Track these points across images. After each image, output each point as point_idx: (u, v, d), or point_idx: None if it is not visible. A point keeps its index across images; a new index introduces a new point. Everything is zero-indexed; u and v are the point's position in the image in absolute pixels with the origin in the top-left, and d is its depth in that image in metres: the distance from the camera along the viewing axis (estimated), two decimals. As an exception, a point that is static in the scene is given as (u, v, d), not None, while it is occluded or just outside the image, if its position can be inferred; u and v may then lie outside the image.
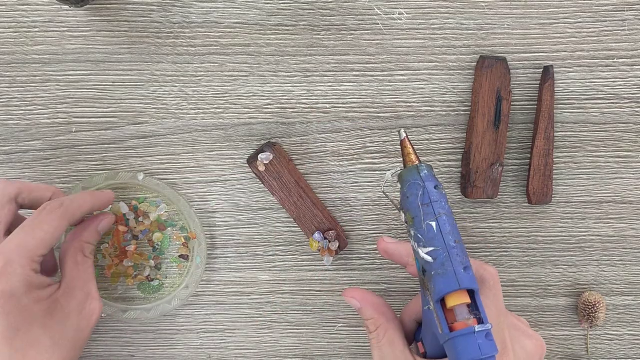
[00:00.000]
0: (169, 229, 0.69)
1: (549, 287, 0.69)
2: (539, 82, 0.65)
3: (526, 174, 0.66)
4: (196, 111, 0.66)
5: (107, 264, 0.68)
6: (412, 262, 0.57)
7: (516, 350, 0.54)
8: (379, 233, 0.68)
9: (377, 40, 0.64)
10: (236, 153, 0.67)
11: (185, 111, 0.66)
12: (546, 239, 0.68)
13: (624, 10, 0.64)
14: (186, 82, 0.66)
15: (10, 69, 0.65)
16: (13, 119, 0.66)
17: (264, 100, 0.66)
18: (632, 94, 0.65)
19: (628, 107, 0.65)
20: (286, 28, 0.65)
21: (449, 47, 0.65)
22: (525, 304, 0.70)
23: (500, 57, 0.63)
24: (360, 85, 0.65)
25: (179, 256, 0.69)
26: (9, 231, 0.58)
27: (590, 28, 0.64)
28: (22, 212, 0.62)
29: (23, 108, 0.66)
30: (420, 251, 0.48)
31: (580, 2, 0.64)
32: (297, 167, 0.67)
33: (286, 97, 0.66)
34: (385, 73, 0.65)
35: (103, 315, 0.68)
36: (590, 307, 0.67)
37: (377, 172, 0.67)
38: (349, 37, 0.64)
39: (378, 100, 0.66)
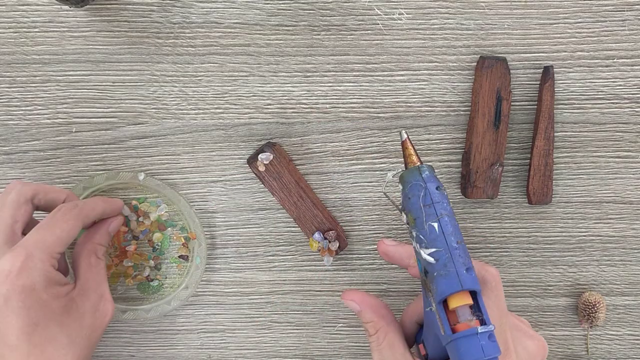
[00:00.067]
0: (169, 229, 0.69)
1: (549, 287, 0.69)
2: (539, 82, 0.65)
3: (526, 174, 0.67)
4: (196, 111, 0.66)
5: (106, 264, 0.68)
6: (413, 264, 0.57)
7: (518, 351, 0.54)
8: (379, 233, 0.68)
9: (377, 40, 0.64)
10: (236, 153, 0.67)
11: (185, 111, 0.66)
12: (546, 239, 0.68)
13: (624, 10, 0.64)
14: (186, 82, 0.65)
15: (10, 69, 0.65)
16: (13, 119, 0.66)
17: (264, 100, 0.66)
18: (632, 94, 0.65)
19: (628, 107, 0.65)
20: (286, 28, 0.64)
21: (449, 47, 0.65)
22: (525, 304, 0.70)
23: (500, 57, 0.63)
24: (360, 85, 0.65)
25: (179, 256, 0.69)
26: (24, 232, 0.59)
27: (590, 28, 0.64)
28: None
29: (23, 108, 0.66)
30: (422, 252, 0.48)
31: (580, 2, 0.64)
32: (297, 167, 0.67)
33: (286, 97, 0.66)
34: (385, 73, 0.65)
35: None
36: (590, 307, 0.67)
37: (377, 172, 0.67)
38: (349, 37, 0.64)
39: (378, 100, 0.66)
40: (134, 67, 0.65)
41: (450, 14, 0.64)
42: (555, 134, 0.66)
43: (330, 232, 0.66)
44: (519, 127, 0.66)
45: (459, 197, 0.67)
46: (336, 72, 0.65)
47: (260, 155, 0.64)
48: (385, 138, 0.66)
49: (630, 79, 0.65)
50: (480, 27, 0.64)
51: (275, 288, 0.70)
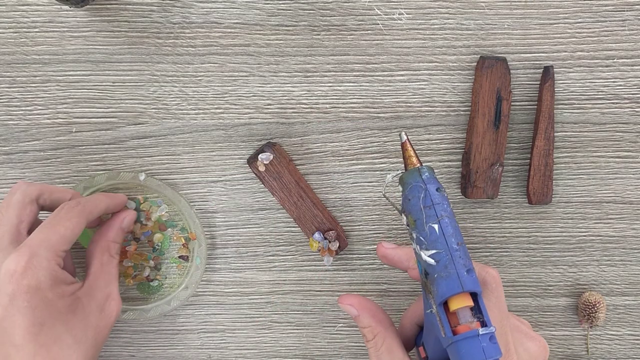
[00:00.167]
0: (169, 229, 0.69)
1: (549, 287, 0.69)
2: (539, 82, 0.65)
3: (526, 174, 0.67)
4: (196, 111, 0.66)
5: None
6: (412, 266, 0.57)
7: (519, 352, 0.54)
8: (379, 233, 0.68)
9: (377, 40, 0.64)
10: (236, 153, 0.67)
11: (185, 111, 0.66)
12: (546, 239, 0.68)
13: (624, 10, 0.64)
14: (186, 82, 0.65)
15: (10, 69, 0.65)
16: (13, 119, 0.66)
17: (264, 100, 0.66)
18: (632, 94, 0.65)
19: (628, 107, 0.65)
20: (286, 28, 0.64)
21: (449, 47, 0.65)
22: (526, 304, 0.70)
23: (500, 57, 0.63)
24: (360, 85, 0.65)
25: (179, 257, 0.69)
26: (29, 232, 0.58)
27: (590, 28, 0.64)
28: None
29: (23, 108, 0.66)
30: (422, 254, 0.48)
31: (580, 2, 0.64)
32: (297, 167, 0.67)
33: (286, 97, 0.66)
34: (385, 73, 0.65)
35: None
36: (590, 307, 0.67)
37: (378, 172, 0.67)
38: (349, 37, 0.64)
39: (378, 100, 0.66)
40: (134, 67, 0.65)
41: (450, 14, 0.64)
42: (555, 134, 0.66)
43: (330, 232, 0.66)
44: (519, 127, 0.66)
45: (459, 197, 0.67)
46: (336, 72, 0.65)
47: (260, 155, 0.64)
48: (385, 138, 0.66)
49: (630, 79, 0.65)
50: (480, 27, 0.64)
51: (275, 288, 0.70)
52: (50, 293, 0.55)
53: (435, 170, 0.67)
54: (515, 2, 0.64)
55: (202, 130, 0.66)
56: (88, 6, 0.64)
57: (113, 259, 0.63)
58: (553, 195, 0.67)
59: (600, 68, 0.65)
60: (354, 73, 0.65)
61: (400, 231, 0.68)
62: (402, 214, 0.50)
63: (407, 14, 0.64)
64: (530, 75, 0.65)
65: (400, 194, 0.51)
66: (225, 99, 0.66)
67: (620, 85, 0.65)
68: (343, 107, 0.66)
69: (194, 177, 0.67)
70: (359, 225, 0.69)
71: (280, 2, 0.64)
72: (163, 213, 0.68)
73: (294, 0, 0.64)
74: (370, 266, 0.69)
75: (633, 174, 0.67)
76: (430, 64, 0.65)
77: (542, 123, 0.64)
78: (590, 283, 0.69)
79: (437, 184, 0.49)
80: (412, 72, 0.65)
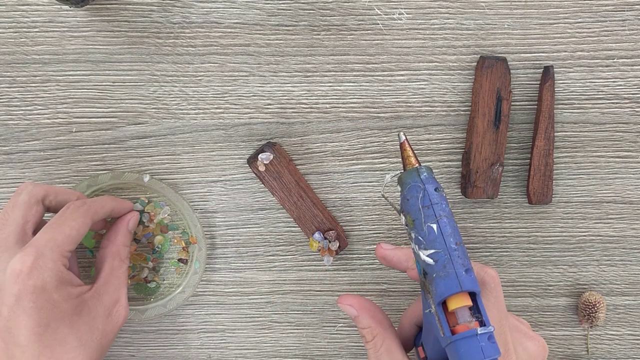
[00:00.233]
0: (170, 232, 0.69)
1: (549, 287, 0.69)
2: (539, 82, 0.65)
3: (526, 174, 0.66)
4: (196, 111, 0.66)
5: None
6: (411, 266, 0.57)
7: (518, 352, 0.54)
8: (379, 233, 0.68)
9: (377, 40, 0.64)
10: (236, 153, 0.67)
11: (185, 111, 0.66)
12: (546, 239, 0.68)
13: (624, 10, 0.64)
14: (186, 82, 0.65)
15: (10, 69, 0.65)
16: (13, 119, 0.66)
17: (264, 100, 0.66)
18: (632, 94, 0.65)
19: (628, 107, 0.65)
20: (286, 28, 0.64)
21: (449, 47, 0.65)
22: (525, 304, 0.70)
23: (500, 57, 0.63)
24: (360, 85, 0.65)
25: (178, 260, 0.69)
26: (34, 233, 0.58)
27: (590, 28, 0.64)
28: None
29: (23, 108, 0.66)
30: (421, 253, 0.48)
31: (580, 2, 0.64)
32: (297, 167, 0.67)
33: (286, 97, 0.66)
34: (385, 73, 0.65)
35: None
36: (590, 307, 0.67)
37: (377, 172, 0.67)
38: (349, 37, 0.64)
39: (378, 100, 0.66)
40: (134, 67, 0.65)
41: (450, 14, 0.64)
42: (555, 134, 0.66)
43: (330, 232, 0.66)
44: (519, 127, 0.66)
45: (459, 197, 0.67)
46: (336, 72, 0.65)
47: (260, 155, 0.64)
48: (385, 138, 0.66)
49: (630, 79, 0.65)
50: (480, 27, 0.64)
51: (275, 288, 0.70)
52: (56, 294, 0.55)
53: (435, 170, 0.67)
54: (515, 2, 0.64)
55: (202, 130, 0.66)
56: (88, 6, 0.64)
57: (123, 264, 0.63)
58: (553, 195, 0.67)
59: (600, 68, 0.65)
60: (354, 73, 0.65)
61: (400, 231, 0.68)
62: (401, 214, 0.50)
63: (407, 14, 0.64)
64: (530, 75, 0.65)
65: (399, 194, 0.51)
66: (225, 98, 0.66)
67: (620, 85, 0.65)
68: (343, 107, 0.66)
69: (194, 177, 0.67)
70: (359, 225, 0.69)
71: (280, 2, 0.64)
72: (165, 216, 0.68)
73: (294, 0, 0.64)
74: (370, 266, 0.69)
75: (633, 174, 0.67)
76: (430, 64, 0.65)
77: (542, 123, 0.64)
78: (590, 283, 0.69)
79: (435, 183, 0.49)
80: (412, 72, 0.65)
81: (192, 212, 0.67)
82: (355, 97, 0.66)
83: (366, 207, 0.68)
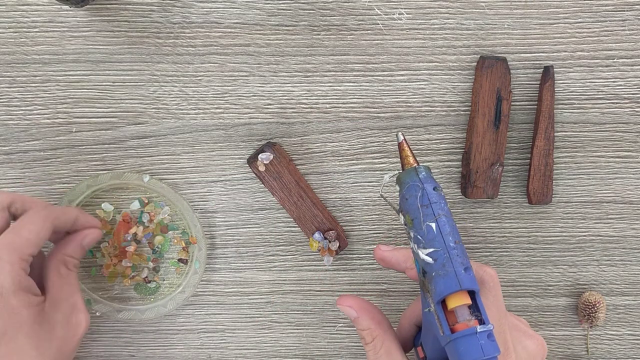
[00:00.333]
0: (170, 232, 0.69)
1: (549, 287, 0.69)
2: (539, 82, 0.65)
3: (526, 174, 0.66)
4: (196, 111, 0.66)
5: (105, 263, 0.68)
6: (410, 266, 0.56)
7: (518, 350, 0.53)
8: (379, 233, 0.68)
9: (377, 40, 0.64)
10: (236, 153, 0.67)
11: (185, 111, 0.66)
12: (546, 239, 0.68)
13: (624, 10, 0.64)
14: (186, 82, 0.66)
15: (10, 69, 0.65)
16: (13, 119, 0.66)
17: (264, 100, 0.66)
18: (632, 94, 0.65)
19: (628, 107, 0.65)
20: (286, 28, 0.64)
21: (449, 47, 0.65)
22: (525, 304, 0.70)
23: (500, 57, 0.63)
24: (360, 85, 0.65)
25: (178, 260, 0.69)
26: None
27: (590, 28, 0.64)
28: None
29: (23, 108, 0.66)
30: (420, 252, 0.48)
31: (580, 2, 0.64)
32: (297, 167, 0.67)
33: (286, 97, 0.66)
34: (385, 73, 0.65)
35: (98, 314, 0.69)
36: (590, 307, 0.67)
37: (377, 172, 0.67)
38: (349, 37, 0.64)
39: (378, 100, 0.66)
40: (134, 67, 0.65)
41: (450, 14, 0.64)
42: (555, 134, 0.66)
43: (330, 232, 0.66)
44: (519, 127, 0.66)
45: (459, 197, 0.67)
46: (336, 72, 0.65)
47: (260, 155, 0.64)
48: (385, 138, 0.66)
49: (630, 79, 0.65)
50: (480, 27, 0.64)
51: (275, 288, 0.70)
52: (14, 299, 0.53)
53: (435, 170, 0.67)
54: (515, 2, 0.64)
55: (202, 130, 0.66)
56: (88, 6, 0.64)
57: (71, 272, 0.61)
58: (553, 195, 0.67)
59: (600, 68, 0.65)
60: (354, 73, 0.65)
61: (400, 231, 0.68)
62: (400, 214, 0.50)
63: (407, 14, 0.64)
64: (530, 75, 0.65)
65: (398, 194, 0.51)
66: (225, 99, 0.66)
67: (620, 85, 0.65)
68: (343, 107, 0.66)
69: (194, 177, 0.67)
70: (359, 225, 0.69)
71: (280, 2, 0.64)
72: (165, 216, 0.68)
73: (294, 0, 0.64)
74: (370, 266, 0.69)
75: (633, 174, 0.67)
76: (430, 64, 0.65)
77: (542, 123, 0.64)
78: (590, 283, 0.69)
79: (434, 183, 0.49)
80: (412, 72, 0.65)
81: (192, 212, 0.67)
82: (355, 97, 0.66)
83: (366, 207, 0.68)
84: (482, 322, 0.46)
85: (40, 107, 0.66)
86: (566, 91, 0.65)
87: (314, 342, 0.71)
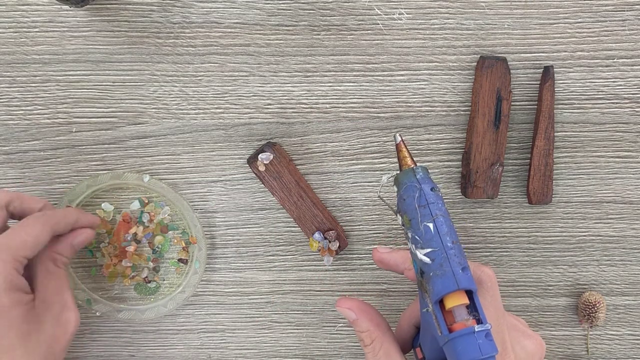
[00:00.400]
0: (170, 232, 0.69)
1: (549, 287, 0.69)
2: (539, 82, 0.65)
3: (526, 174, 0.66)
4: (196, 111, 0.66)
5: (105, 263, 0.68)
6: (409, 267, 0.56)
7: (516, 350, 0.53)
8: (379, 233, 0.68)
9: (377, 40, 0.64)
10: (236, 153, 0.67)
11: (185, 111, 0.66)
12: (546, 239, 0.68)
13: (624, 10, 0.64)
14: (186, 82, 0.66)
15: (10, 69, 0.65)
16: (13, 119, 0.66)
17: (264, 100, 0.66)
18: (632, 94, 0.65)
19: (628, 107, 0.65)
20: (286, 28, 0.64)
21: (449, 47, 0.65)
22: (525, 304, 0.70)
23: (500, 57, 0.63)
24: (360, 85, 0.65)
25: (178, 260, 0.69)
26: None
27: (590, 28, 0.64)
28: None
29: (23, 108, 0.66)
30: (417, 253, 0.48)
31: (580, 2, 0.64)
32: (297, 167, 0.67)
33: (286, 97, 0.66)
34: (385, 73, 0.65)
35: (98, 314, 0.69)
36: (590, 307, 0.67)
37: (377, 172, 0.67)
38: (349, 37, 0.64)
39: (378, 100, 0.66)
40: (134, 67, 0.65)
41: (450, 14, 0.64)
42: (555, 134, 0.66)
43: (330, 232, 0.66)
44: (519, 127, 0.66)
45: (459, 197, 0.67)
46: (336, 72, 0.65)
47: (260, 155, 0.64)
48: (385, 138, 0.66)
49: (630, 79, 0.65)
50: (480, 27, 0.64)
51: (275, 288, 0.70)
52: (5, 297, 0.53)
53: (436, 170, 0.67)
54: (515, 2, 0.64)
55: (202, 130, 0.66)
56: (88, 6, 0.64)
57: (59, 270, 0.60)
58: (553, 195, 0.67)
59: (600, 68, 0.65)
60: (354, 73, 0.65)
61: (400, 231, 0.68)
62: (397, 214, 0.50)
63: (407, 14, 0.64)
64: (530, 75, 0.65)
65: (396, 194, 0.51)
66: (225, 99, 0.66)
67: (620, 85, 0.65)
68: (343, 107, 0.66)
69: (194, 177, 0.67)
70: (359, 225, 0.69)
71: (280, 2, 0.64)
72: (165, 216, 0.68)
73: (294, 0, 0.64)
74: (370, 266, 0.69)
75: (633, 174, 0.67)
76: (430, 64, 0.65)
77: (542, 123, 0.64)
78: (590, 283, 0.69)
79: (431, 183, 0.49)
80: (412, 72, 0.65)
81: (192, 212, 0.67)
82: (355, 97, 0.66)
83: (366, 207, 0.68)
84: (479, 321, 0.46)
85: (40, 107, 0.66)
86: (566, 91, 0.65)
87: (314, 342, 0.71)
